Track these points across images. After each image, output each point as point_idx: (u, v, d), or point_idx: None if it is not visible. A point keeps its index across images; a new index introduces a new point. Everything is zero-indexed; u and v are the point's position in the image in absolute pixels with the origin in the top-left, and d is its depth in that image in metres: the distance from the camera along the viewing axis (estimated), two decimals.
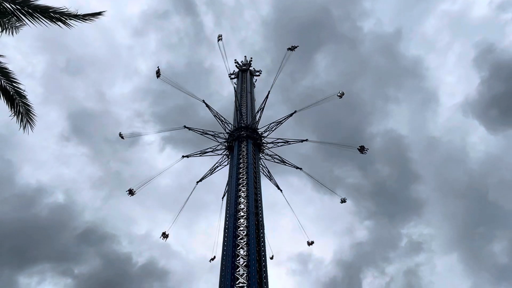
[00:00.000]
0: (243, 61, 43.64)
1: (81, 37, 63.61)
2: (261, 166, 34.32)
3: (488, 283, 56.34)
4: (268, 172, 35.32)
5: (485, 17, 74.28)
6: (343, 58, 72.16)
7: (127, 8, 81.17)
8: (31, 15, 12.15)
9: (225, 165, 34.52)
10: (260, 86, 41.92)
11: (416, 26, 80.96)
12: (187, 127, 35.92)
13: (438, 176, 66.48)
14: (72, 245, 53.36)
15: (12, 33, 13.02)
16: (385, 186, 61.64)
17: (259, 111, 35.07)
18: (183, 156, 36.06)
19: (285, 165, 35.90)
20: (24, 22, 12.39)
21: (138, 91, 67.49)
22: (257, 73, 43.34)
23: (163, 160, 63.01)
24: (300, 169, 36.04)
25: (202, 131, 35.65)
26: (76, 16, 12.76)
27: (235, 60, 43.24)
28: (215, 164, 35.18)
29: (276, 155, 35.28)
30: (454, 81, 77.49)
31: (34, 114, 13.65)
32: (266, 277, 21.64)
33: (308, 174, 36.90)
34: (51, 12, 12.36)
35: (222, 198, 34.15)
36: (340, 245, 66.49)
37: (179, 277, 53.95)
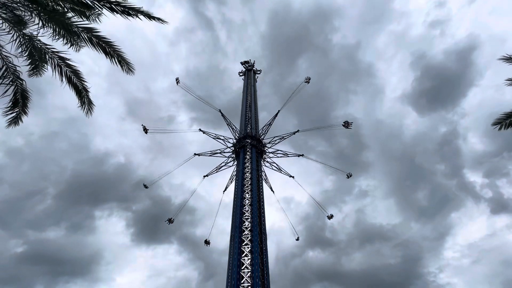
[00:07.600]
0: (249, 62, 53.94)
1: (132, 46, 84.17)
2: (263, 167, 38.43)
3: (413, 219, 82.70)
4: (265, 175, 39.03)
5: (419, 34, 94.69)
6: (318, 62, 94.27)
7: (165, 25, 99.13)
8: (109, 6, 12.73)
9: (230, 166, 39.83)
10: (259, 83, 54.11)
11: (371, 40, 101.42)
12: (202, 131, 41.26)
13: (382, 146, 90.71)
14: (130, 191, 77.72)
15: (76, 50, 14.25)
16: (344, 152, 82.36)
17: (268, 126, 40.48)
18: (195, 154, 40.34)
19: (288, 156, 40.38)
20: (100, 12, 13.17)
21: (173, 86, 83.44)
22: (258, 72, 54.39)
23: (191, 135, 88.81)
24: (302, 155, 40.59)
25: (214, 135, 40.67)
26: (142, 13, 13.28)
27: (242, 62, 53.88)
28: (221, 164, 40.25)
29: (279, 150, 39.92)
30: (396, 80, 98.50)
31: (94, 104, 15.83)
32: (263, 212, 32.00)
33: (310, 159, 41.62)
34: (122, 5, 12.86)
35: (223, 191, 40.57)
36: (313, 192, 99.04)
37: (203, 212, 75.80)
